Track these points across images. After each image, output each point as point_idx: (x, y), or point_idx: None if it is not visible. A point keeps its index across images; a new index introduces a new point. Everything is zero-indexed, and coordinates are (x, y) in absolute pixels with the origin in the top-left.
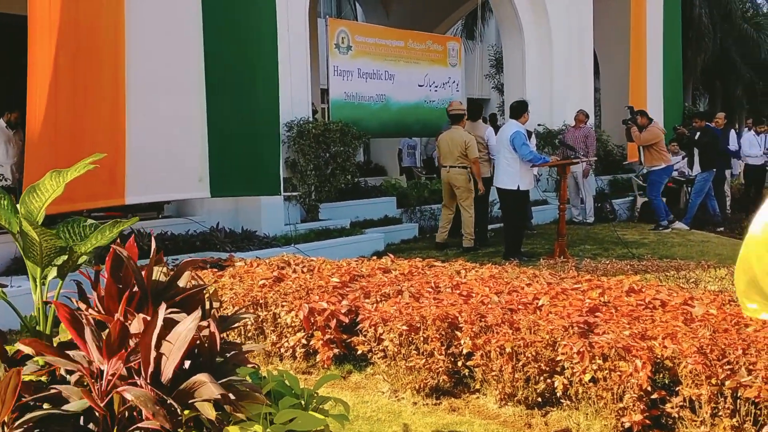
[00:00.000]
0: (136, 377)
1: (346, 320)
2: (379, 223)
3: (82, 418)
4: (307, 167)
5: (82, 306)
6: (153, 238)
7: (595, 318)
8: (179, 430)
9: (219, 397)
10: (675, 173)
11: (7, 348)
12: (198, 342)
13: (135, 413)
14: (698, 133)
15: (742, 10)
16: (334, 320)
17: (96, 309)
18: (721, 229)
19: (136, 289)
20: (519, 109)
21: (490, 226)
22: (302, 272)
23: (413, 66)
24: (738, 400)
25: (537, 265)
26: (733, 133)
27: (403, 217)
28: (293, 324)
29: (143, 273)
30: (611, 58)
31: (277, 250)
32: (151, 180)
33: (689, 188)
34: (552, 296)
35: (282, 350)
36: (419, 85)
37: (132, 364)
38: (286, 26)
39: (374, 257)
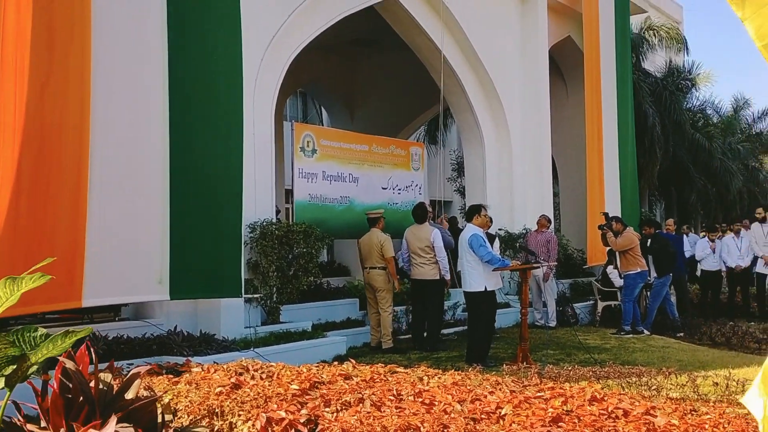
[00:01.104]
0: None
1: (305, 430)
2: (341, 325)
3: None
4: (270, 268)
5: (23, 422)
6: (92, 350)
7: (558, 428)
8: None
9: None
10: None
11: None
12: None
13: None
14: (649, 240)
15: (693, 120)
16: (293, 430)
17: (41, 424)
18: (681, 334)
19: (83, 400)
20: (472, 213)
21: (454, 330)
22: (261, 378)
23: (377, 169)
24: None
25: (500, 371)
26: (685, 239)
27: (366, 320)
28: None
29: (91, 384)
30: (569, 164)
31: (236, 354)
32: (110, 282)
33: (647, 292)
34: (515, 405)
35: None
36: (383, 188)
37: None
38: (252, 128)
39: (336, 362)
